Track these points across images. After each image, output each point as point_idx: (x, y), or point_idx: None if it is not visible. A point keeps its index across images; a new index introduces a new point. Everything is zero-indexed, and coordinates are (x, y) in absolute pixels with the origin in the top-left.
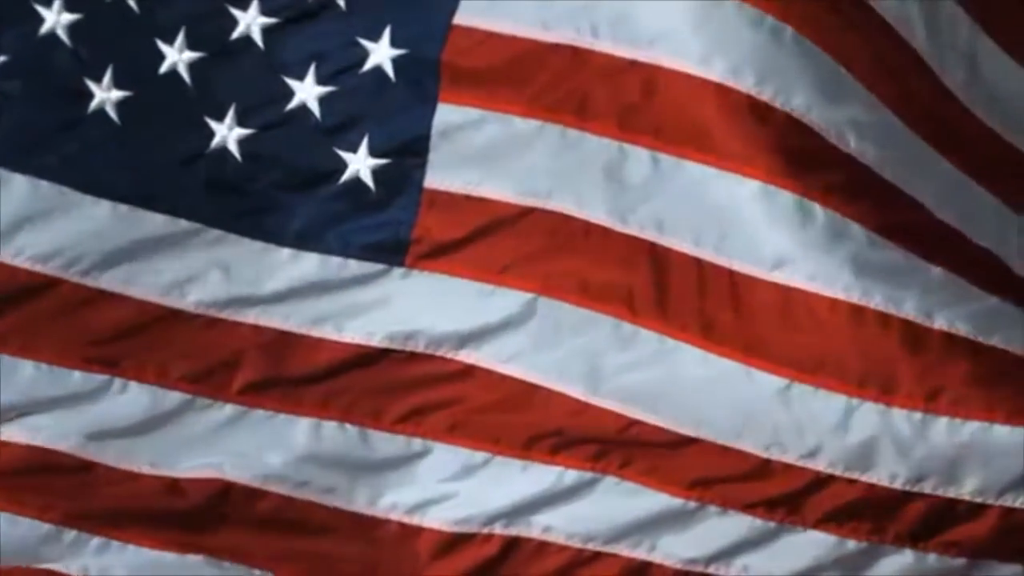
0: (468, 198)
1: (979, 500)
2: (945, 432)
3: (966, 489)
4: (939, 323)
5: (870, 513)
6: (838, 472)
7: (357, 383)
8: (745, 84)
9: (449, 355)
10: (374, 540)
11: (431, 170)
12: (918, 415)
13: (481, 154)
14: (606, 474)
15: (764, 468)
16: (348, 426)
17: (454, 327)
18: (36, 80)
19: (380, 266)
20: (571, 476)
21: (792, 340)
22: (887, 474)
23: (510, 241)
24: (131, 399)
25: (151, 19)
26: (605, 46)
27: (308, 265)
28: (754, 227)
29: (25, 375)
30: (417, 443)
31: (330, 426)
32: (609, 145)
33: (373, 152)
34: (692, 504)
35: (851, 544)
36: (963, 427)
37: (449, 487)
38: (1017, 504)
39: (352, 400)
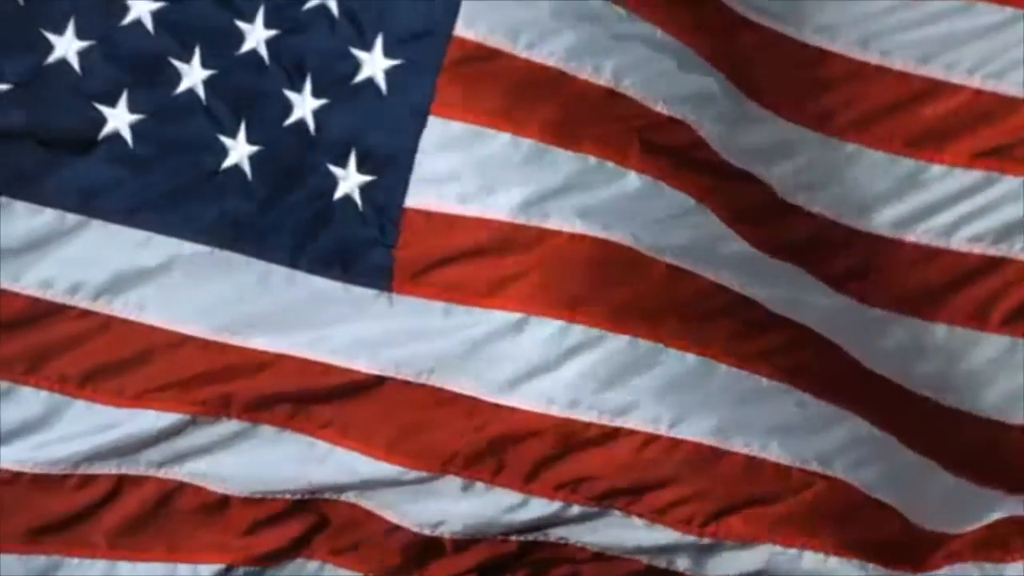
0: (454, 216)
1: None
2: None
3: None
4: None
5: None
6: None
7: (357, 409)
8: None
9: (437, 383)
10: (389, 551)
11: (415, 188)
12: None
13: (469, 171)
14: (612, 509)
15: (786, 480)
16: (340, 450)
17: (440, 353)
18: (42, 108)
19: (369, 291)
20: (575, 509)
21: None
22: None
23: (495, 261)
24: (134, 422)
25: (166, 39)
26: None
27: (306, 287)
28: None
29: (29, 401)
30: (412, 474)
31: (323, 446)
32: (588, 160)
33: (361, 168)
34: (707, 540)
35: (870, 569)
36: None
37: (455, 508)
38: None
39: (346, 424)
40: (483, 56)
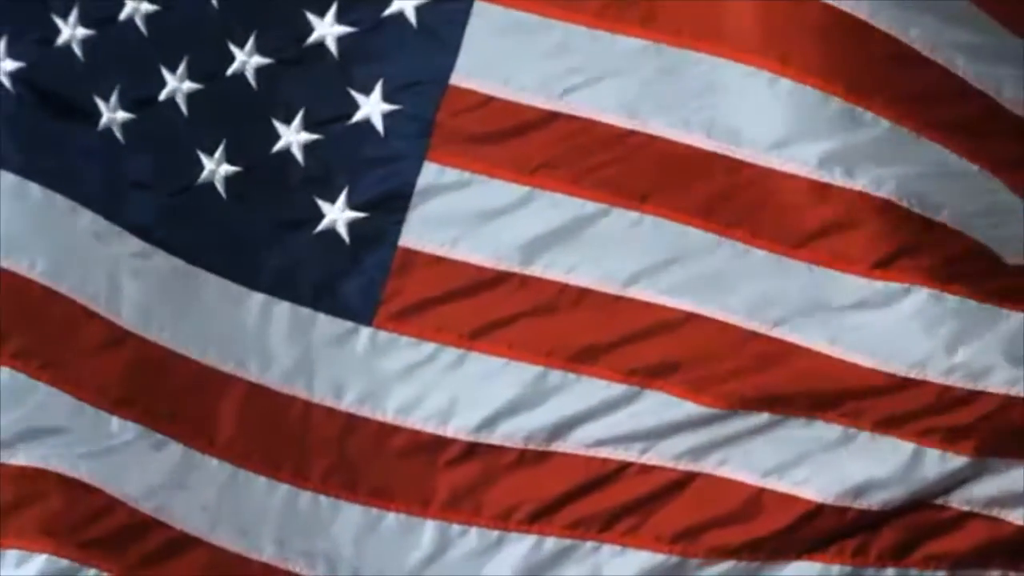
0: (442, 259)
1: (966, 509)
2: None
3: (954, 499)
4: None
5: (855, 536)
6: (829, 501)
7: (330, 449)
8: None
9: (417, 426)
10: None
11: (407, 228)
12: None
13: (462, 216)
14: (585, 540)
15: (756, 502)
16: (322, 497)
17: (421, 396)
18: (48, 90)
19: (348, 324)
20: (549, 543)
21: None
22: (880, 500)
23: (484, 304)
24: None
25: (157, 42)
26: (610, 118)
27: (280, 313)
28: None
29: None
30: (376, 514)
31: (305, 496)
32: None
33: (352, 205)
34: (674, 559)
35: (835, 569)
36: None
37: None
38: (1002, 516)
39: (325, 470)
40: (478, 103)
